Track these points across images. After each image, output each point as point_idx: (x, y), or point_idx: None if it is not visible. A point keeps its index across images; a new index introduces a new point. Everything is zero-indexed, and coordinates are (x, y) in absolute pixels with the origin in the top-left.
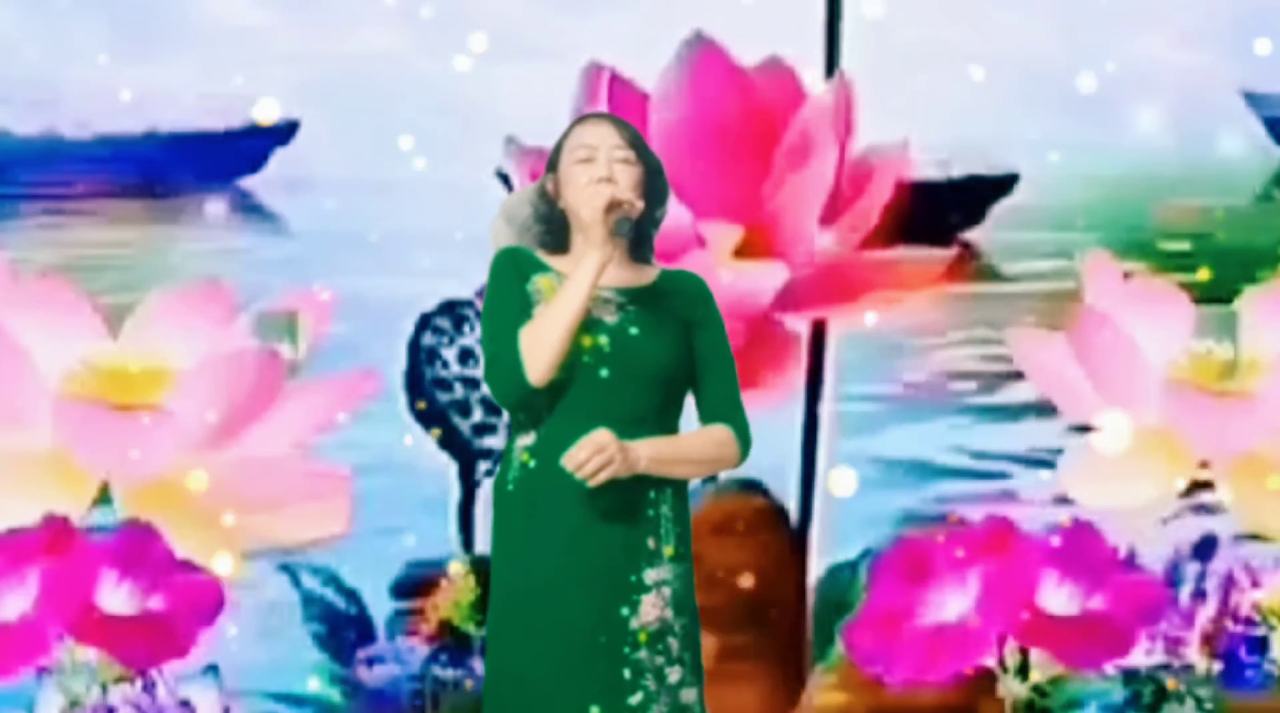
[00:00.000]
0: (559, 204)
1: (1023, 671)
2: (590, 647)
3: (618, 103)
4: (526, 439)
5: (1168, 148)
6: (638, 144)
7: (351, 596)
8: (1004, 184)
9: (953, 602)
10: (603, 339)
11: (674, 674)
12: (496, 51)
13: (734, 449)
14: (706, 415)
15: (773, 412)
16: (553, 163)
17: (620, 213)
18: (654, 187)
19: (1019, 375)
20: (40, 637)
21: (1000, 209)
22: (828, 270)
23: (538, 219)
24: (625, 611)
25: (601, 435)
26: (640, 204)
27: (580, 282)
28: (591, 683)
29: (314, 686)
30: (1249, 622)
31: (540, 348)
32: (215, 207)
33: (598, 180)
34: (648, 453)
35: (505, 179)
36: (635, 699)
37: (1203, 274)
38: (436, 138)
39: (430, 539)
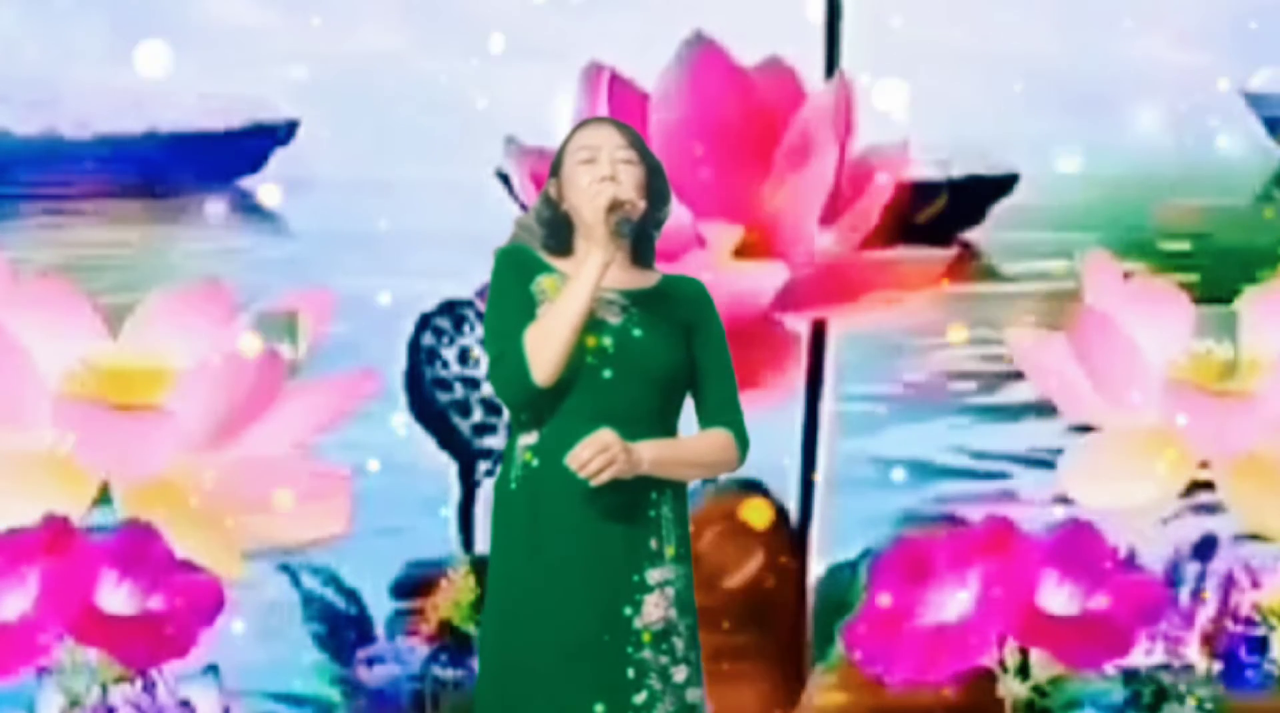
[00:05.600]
0: (562, 207)
1: (1023, 671)
2: (594, 646)
3: (618, 103)
4: (529, 439)
5: (1168, 148)
6: (639, 145)
7: (351, 596)
8: (1004, 184)
9: (953, 602)
10: (607, 340)
11: (680, 674)
12: (497, 52)
13: (734, 453)
14: (706, 419)
15: (773, 412)
16: (555, 167)
17: (622, 213)
18: (656, 187)
19: (1019, 375)
20: (40, 637)
21: (1000, 209)
22: (828, 270)
23: (541, 223)
24: (628, 610)
25: (605, 435)
26: (642, 204)
27: (585, 281)
28: (596, 682)
29: (314, 686)
30: (1249, 622)
31: (545, 348)
32: (215, 207)
33: (601, 179)
34: (650, 454)
35: (505, 179)
36: (640, 698)
37: (1202, 274)
38: (436, 138)
39: (430, 539)
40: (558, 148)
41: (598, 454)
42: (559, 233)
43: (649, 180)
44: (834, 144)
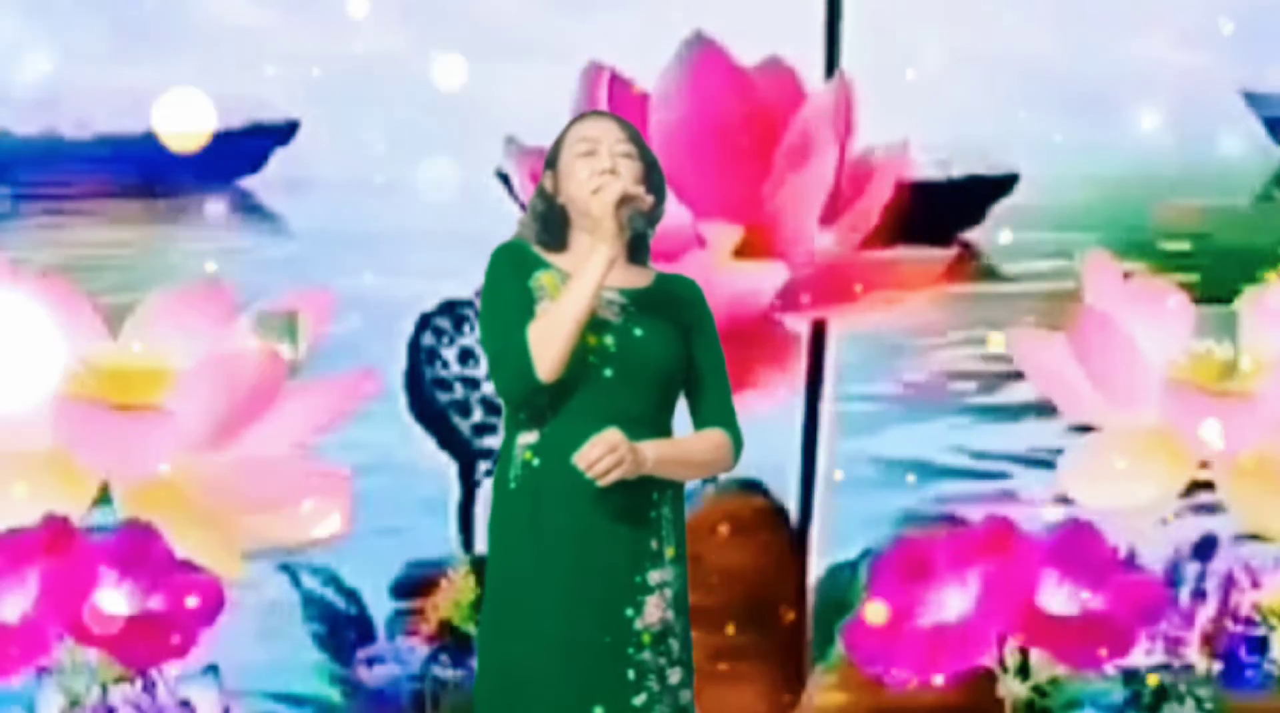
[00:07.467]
0: (558, 201)
1: (1023, 671)
2: (595, 647)
3: (618, 103)
4: (529, 437)
5: (1168, 148)
6: (637, 140)
7: (351, 596)
8: (1004, 184)
9: (953, 602)
10: (608, 339)
11: (674, 676)
12: (496, 51)
13: (729, 453)
14: (702, 420)
15: (773, 412)
16: (551, 160)
17: (634, 207)
18: (653, 183)
19: (1019, 375)
20: (40, 637)
21: (1000, 209)
22: (828, 270)
23: (536, 217)
24: (630, 611)
25: (613, 435)
26: (650, 198)
27: (591, 276)
28: (596, 683)
29: (314, 686)
30: (1249, 622)
31: (551, 343)
32: (215, 207)
33: (601, 172)
34: (653, 454)
35: (505, 179)
36: (639, 700)
37: (1202, 274)
38: (436, 138)
39: (430, 539)
40: (554, 141)
41: (606, 454)
42: (554, 227)
43: (647, 175)
44: (834, 144)
